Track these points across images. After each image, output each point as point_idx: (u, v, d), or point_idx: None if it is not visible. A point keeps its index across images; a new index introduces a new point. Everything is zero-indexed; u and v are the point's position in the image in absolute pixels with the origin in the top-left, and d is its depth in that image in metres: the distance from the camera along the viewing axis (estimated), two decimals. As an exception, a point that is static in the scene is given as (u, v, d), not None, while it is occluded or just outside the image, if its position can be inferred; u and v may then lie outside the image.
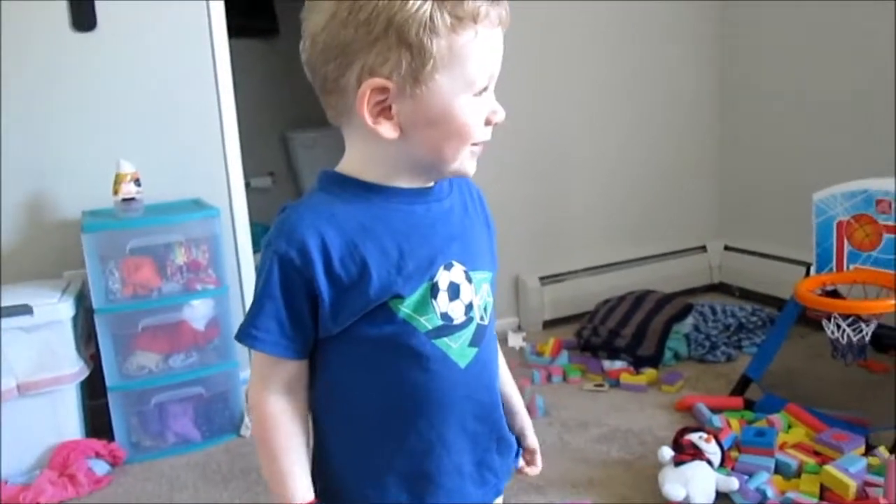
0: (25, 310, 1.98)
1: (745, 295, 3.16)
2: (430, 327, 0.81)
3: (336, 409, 0.86)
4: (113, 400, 2.14)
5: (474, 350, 0.85)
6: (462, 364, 0.84)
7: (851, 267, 2.12)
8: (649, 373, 2.47)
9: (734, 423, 2.04)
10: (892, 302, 1.92)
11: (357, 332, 0.81)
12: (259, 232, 2.81)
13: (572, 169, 3.07)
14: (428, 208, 0.85)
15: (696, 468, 1.76)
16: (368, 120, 0.77)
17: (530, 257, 3.00)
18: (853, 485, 1.69)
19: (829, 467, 1.74)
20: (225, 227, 2.38)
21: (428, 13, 0.74)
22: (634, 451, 2.03)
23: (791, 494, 1.71)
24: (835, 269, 2.16)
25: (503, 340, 2.79)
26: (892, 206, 2.02)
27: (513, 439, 0.96)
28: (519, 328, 2.99)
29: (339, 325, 0.80)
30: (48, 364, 2.01)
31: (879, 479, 1.71)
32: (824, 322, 2.05)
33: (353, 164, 0.83)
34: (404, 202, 0.83)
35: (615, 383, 2.45)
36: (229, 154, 2.47)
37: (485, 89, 0.80)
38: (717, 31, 3.20)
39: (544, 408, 2.28)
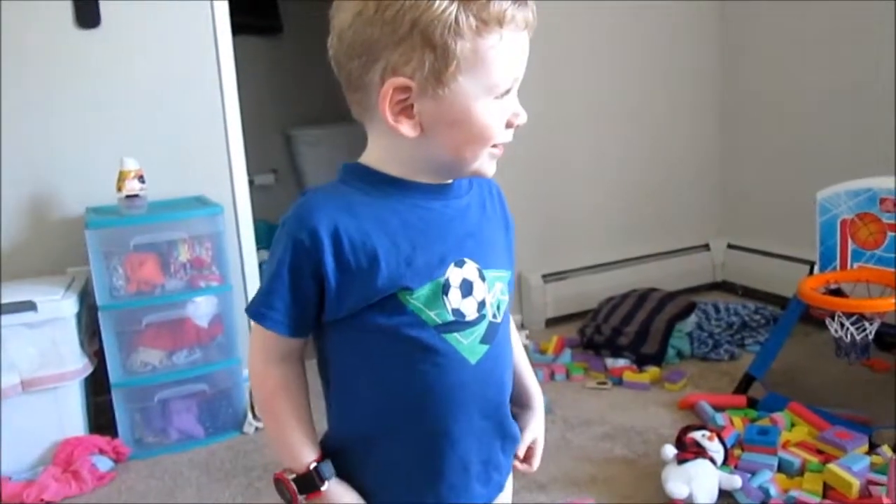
0: (29, 306, 1.98)
1: (749, 293, 3.16)
2: (439, 322, 0.82)
3: (346, 399, 0.87)
4: (116, 396, 2.14)
5: (485, 347, 0.85)
6: (472, 360, 0.85)
7: (855, 265, 2.12)
8: (652, 371, 2.47)
9: (737, 421, 2.04)
10: (896, 300, 1.91)
11: (369, 321, 0.82)
12: (262, 229, 2.82)
13: (575, 167, 3.06)
14: (445, 205, 0.85)
15: (699, 466, 1.75)
16: (389, 118, 0.78)
17: (533, 255, 2.99)
18: (856, 483, 1.69)
19: (832, 466, 1.74)
20: (228, 224, 2.39)
21: (453, 15, 0.74)
22: (637, 450, 2.03)
23: (794, 493, 1.71)
24: (838, 267, 2.15)
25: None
26: (897, 204, 2.02)
27: (518, 436, 0.96)
28: (522, 326, 2.99)
29: (346, 310, 0.82)
30: (52, 360, 2.02)
31: (882, 478, 1.71)
32: (828, 320, 2.04)
33: (374, 158, 0.85)
34: (422, 198, 0.84)
35: (618, 381, 2.45)
36: (233, 151, 2.47)
37: (507, 92, 0.80)
38: (719, 30, 3.19)
39: (547, 406, 2.27)
